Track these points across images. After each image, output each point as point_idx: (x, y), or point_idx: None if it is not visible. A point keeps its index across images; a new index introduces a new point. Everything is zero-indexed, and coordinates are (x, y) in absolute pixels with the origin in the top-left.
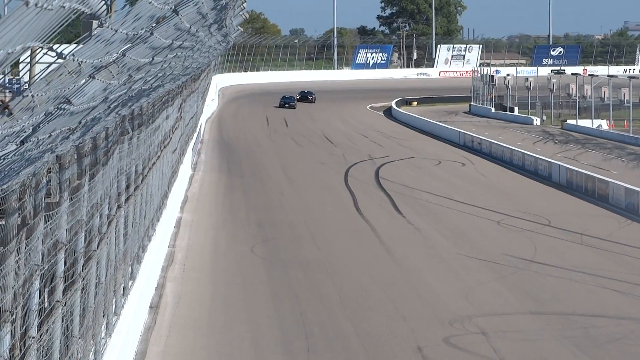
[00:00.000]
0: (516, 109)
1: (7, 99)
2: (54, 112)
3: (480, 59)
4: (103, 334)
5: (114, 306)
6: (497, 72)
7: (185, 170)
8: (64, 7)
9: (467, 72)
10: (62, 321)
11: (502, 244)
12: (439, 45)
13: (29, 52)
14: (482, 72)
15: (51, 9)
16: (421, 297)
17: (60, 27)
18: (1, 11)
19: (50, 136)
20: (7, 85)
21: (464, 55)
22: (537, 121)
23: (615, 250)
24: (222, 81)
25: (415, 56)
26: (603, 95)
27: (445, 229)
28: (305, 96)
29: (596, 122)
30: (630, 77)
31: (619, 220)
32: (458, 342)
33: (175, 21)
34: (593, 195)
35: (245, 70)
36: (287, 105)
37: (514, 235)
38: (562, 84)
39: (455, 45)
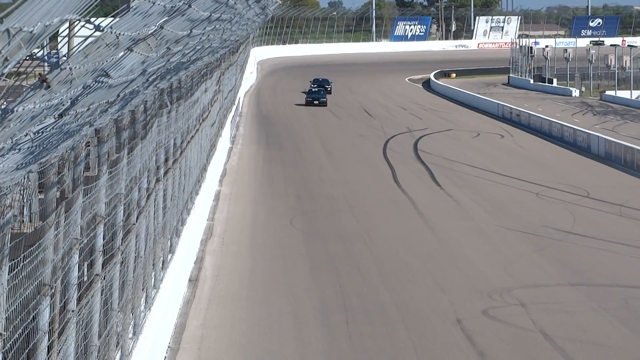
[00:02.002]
0: (555, 80)
1: (46, 72)
2: (92, 85)
3: (519, 30)
4: (142, 308)
5: (153, 280)
6: (536, 43)
7: (224, 143)
8: None
9: (505, 43)
10: (102, 295)
11: (541, 216)
12: (477, 17)
13: (66, 25)
14: (520, 44)
15: None
16: (460, 269)
17: None
18: None
19: (88, 109)
20: (45, 58)
21: (502, 27)
22: (575, 92)
23: None
24: (260, 54)
25: (453, 28)
26: None
27: (484, 201)
28: (323, 86)
29: (635, 93)
30: None
31: None
32: (497, 314)
33: None
34: (632, 166)
35: (284, 43)
36: (316, 102)
37: (552, 207)
38: (601, 55)
39: (493, 17)
